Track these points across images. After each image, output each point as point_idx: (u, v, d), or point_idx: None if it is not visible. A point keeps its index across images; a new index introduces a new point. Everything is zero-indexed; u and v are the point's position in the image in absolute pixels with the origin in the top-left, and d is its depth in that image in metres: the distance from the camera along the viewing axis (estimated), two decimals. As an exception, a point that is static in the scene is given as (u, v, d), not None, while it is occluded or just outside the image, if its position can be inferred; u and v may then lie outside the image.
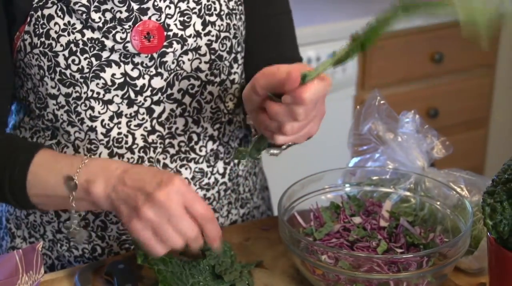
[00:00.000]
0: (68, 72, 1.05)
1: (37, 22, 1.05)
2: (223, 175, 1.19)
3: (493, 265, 0.88)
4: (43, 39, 1.05)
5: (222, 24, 1.11)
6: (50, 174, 1.02)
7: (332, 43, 2.19)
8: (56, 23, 1.04)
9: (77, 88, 1.06)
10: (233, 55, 1.13)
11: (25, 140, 1.11)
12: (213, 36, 1.10)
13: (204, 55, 1.10)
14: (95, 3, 1.04)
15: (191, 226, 0.94)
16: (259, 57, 1.20)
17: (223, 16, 1.11)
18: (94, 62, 1.05)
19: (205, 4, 1.10)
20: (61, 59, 1.05)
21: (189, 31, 1.08)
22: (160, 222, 0.93)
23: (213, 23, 1.10)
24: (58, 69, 1.05)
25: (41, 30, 1.05)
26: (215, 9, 1.10)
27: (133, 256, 1.06)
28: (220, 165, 1.18)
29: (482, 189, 1.11)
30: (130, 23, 1.05)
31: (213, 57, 1.11)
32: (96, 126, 1.09)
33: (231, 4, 1.12)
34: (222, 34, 1.11)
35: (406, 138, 1.12)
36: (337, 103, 2.25)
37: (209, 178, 1.17)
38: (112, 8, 1.05)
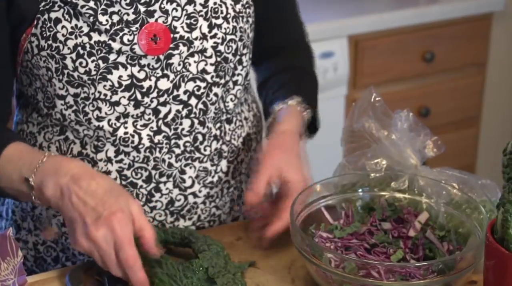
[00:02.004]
0: (75, 74, 1.06)
1: (44, 25, 1.05)
2: (226, 174, 1.20)
3: (490, 266, 0.87)
4: (50, 42, 1.06)
5: (228, 27, 1.12)
6: (14, 170, 1.04)
7: (323, 42, 2.18)
8: (63, 27, 1.05)
9: (85, 89, 1.07)
10: (238, 57, 1.14)
11: (0, 132, 1.12)
12: (219, 38, 1.11)
13: (210, 57, 1.11)
14: (102, 6, 1.05)
15: (115, 266, 0.97)
16: (265, 40, 1.27)
17: (230, 19, 1.12)
18: (101, 65, 1.06)
19: (211, 7, 1.10)
20: (68, 62, 1.06)
21: (196, 33, 1.09)
22: (91, 253, 0.97)
23: (219, 26, 1.11)
24: (66, 71, 1.06)
25: (48, 33, 1.05)
26: (221, 12, 1.11)
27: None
28: (223, 164, 1.19)
29: (473, 187, 1.11)
30: (137, 25, 1.06)
31: (218, 59, 1.12)
32: (103, 126, 1.10)
33: (238, 7, 1.13)
34: (228, 37, 1.12)
35: (399, 136, 1.12)
36: (328, 102, 2.24)
37: (212, 177, 1.18)
38: (119, 10, 1.06)
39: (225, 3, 1.12)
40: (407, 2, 2.37)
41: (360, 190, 1.11)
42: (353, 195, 1.11)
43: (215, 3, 1.11)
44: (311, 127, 1.27)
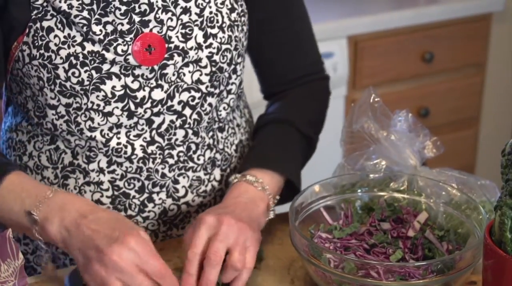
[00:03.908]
0: (68, 84, 1.05)
1: (36, 34, 1.04)
2: (219, 182, 1.19)
3: (489, 267, 0.87)
4: (42, 51, 1.04)
5: (223, 37, 1.11)
6: (15, 202, 1.01)
7: (323, 42, 2.18)
8: (56, 36, 1.04)
9: (78, 99, 1.06)
10: (232, 66, 1.13)
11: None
12: (214, 48, 1.10)
13: (205, 67, 1.10)
14: (96, 16, 1.03)
15: (144, 283, 0.92)
16: (279, 68, 1.23)
17: (225, 28, 1.11)
18: (95, 75, 1.04)
19: (207, 17, 1.09)
20: (61, 72, 1.04)
21: (191, 43, 1.08)
22: (109, 279, 0.92)
23: (214, 36, 1.10)
24: (58, 81, 1.05)
25: (40, 42, 1.04)
26: (217, 21, 1.10)
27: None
28: (217, 172, 1.18)
29: (473, 188, 1.11)
30: (132, 36, 1.05)
31: (213, 69, 1.11)
32: (95, 136, 1.08)
33: (233, 16, 1.12)
34: (223, 46, 1.11)
35: (398, 137, 1.12)
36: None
37: (206, 186, 1.17)
38: (114, 20, 1.04)
39: (220, 12, 1.10)
40: (407, 3, 2.37)
41: (359, 190, 1.11)
42: (352, 195, 1.11)
43: (210, 13, 1.09)
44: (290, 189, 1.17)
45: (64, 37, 1.04)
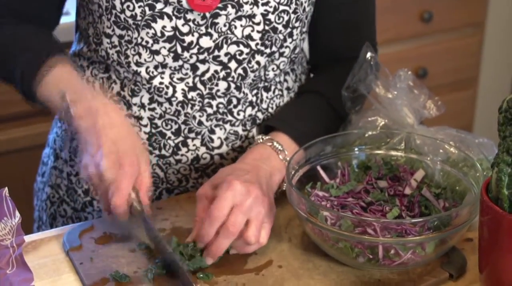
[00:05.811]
0: (122, 16, 1.08)
1: None
2: None
3: (485, 223, 0.87)
4: None
5: None
6: (53, 87, 1.09)
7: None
8: None
9: (129, 32, 1.09)
10: (289, 29, 1.12)
11: (58, 47, 1.15)
12: (271, 7, 1.09)
13: (258, 24, 1.10)
14: None
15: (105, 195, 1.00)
16: (330, 45, 1.23)
17: None
18: (147, 12, 1.07)
19: None
20: (117, 3, 1.08)
21: None
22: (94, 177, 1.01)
23: None
24: (114, 11, 1.08)
25: None
26: None
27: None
28: (256, 131, 1.18)
29: (470, 146, 1.11)
30: None
31: (267, 28, 1.10)
32: (140, 71, 1.12)
33: None
34: (281, 7, 1.10)
35: (397, 94, 1.12)
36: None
37: (242, 141, 1.18)
38: None
39: None
40: (405, -39, 2.35)
41: (356, 149, 1.11)
42: (349, 154, 1.11)
43: None
44: None
45: None
